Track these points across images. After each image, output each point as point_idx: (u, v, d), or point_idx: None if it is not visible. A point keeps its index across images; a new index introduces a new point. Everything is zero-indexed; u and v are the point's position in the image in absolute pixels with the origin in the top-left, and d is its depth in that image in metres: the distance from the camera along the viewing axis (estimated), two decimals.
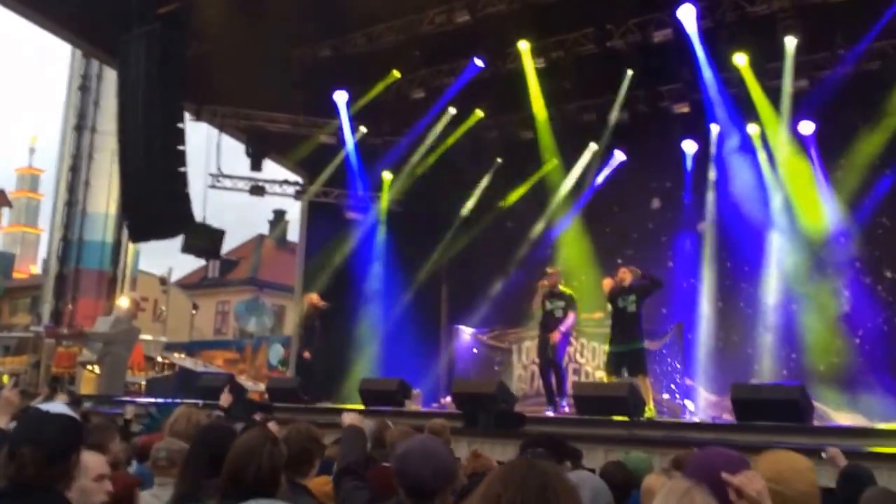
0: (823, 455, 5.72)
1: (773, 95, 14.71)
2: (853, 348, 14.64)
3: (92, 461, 3.39)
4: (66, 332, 30.70)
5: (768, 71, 14.64)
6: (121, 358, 16.69)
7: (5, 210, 48.66)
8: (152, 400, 13.24)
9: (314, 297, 15.45)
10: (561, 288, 13.21)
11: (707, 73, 14.72)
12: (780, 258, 15.25)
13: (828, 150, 14.91)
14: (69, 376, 29.69)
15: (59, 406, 3.49)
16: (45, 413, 3.24)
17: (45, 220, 50.91)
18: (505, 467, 2.22)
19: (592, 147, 16.92)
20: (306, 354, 15.00)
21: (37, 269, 52.09)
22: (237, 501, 3.39)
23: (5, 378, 30.90)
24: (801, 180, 14.80)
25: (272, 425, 5.72)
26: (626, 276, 12.31)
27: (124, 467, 5.44)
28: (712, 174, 16.01)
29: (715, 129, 15.49)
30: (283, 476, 4.02)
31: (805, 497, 2.87)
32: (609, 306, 12.76)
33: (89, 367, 25.25)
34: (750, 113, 14.97)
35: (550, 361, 13.05)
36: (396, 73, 17.06)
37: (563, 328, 12.95)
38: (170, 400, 12.48)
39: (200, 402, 12.57)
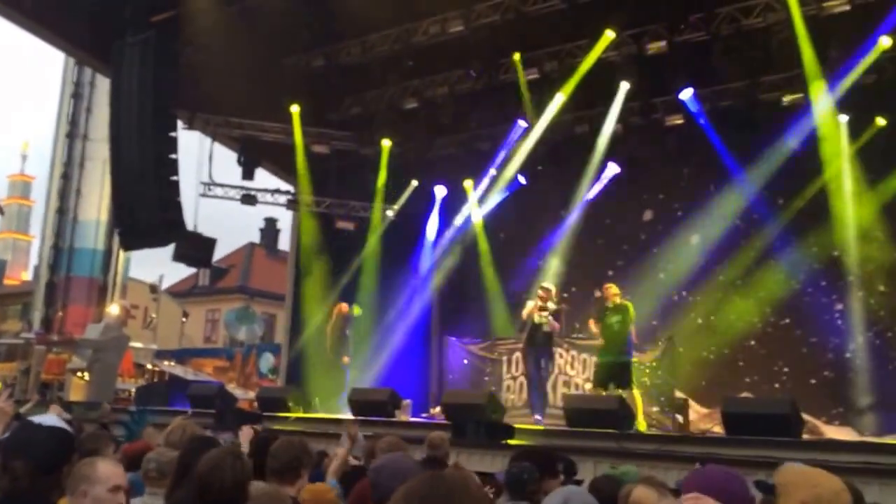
0: None
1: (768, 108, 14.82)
2: (844, 362, 14.68)
3: (109, 471, 3.34)
4: (56, 338, 30.57)
5: (762, 84, 14.74)
6: (111, 365, 16.59)
7: None
8: (128, 408, 13.26)
9: (343, 306, 16.00)
10: (550, 304, 13.32)
11: (701, 85, 14.83)
12: (770, 272, 15.27)
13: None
14: (59, 383, 29.59)
15: (51, 418, 3.48)
16: (38, 426, 3.25)
17: (36, 227, 50.87)
18: (411, 483, 2.16)
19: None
20: (346, 360, 15.65)
21: (28, 275, 51.95)
22: None
23: None
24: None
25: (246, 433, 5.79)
26: (610, 293, 12.41)
27: None
28: (706, 187, 16.04)
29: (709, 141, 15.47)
30: (276, 486, 4.09)
31: None
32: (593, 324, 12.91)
33: (79, 374, 25.18)
34: (743, 125, 15.03)
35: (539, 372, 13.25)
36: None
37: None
38: (143, 409, 12.47)
39: (189, 410, 12.59)
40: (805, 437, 10.19)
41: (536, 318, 13.21)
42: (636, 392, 11.87)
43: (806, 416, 10.64)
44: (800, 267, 15.10)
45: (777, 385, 15.05)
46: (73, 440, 3.39)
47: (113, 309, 25.72)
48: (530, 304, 13.42)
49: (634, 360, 12.95)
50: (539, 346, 13.33)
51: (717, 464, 3.43)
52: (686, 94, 15.08)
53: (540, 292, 13.40)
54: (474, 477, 4.72)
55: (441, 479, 2.15)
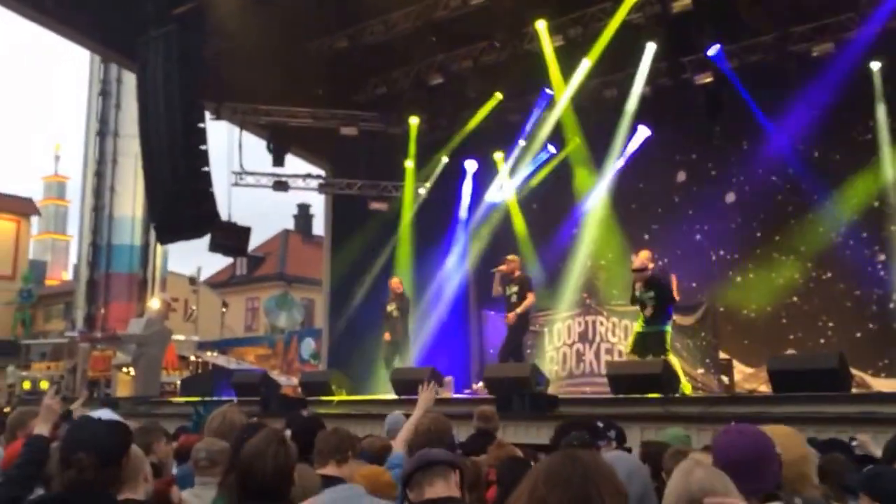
0: (854, 443, 5.81)
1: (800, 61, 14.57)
2: (889, 314, 14.52)
3: (141, 452, 3.52)
4: (99, 335, 30.99)
5: (792, 35, 14.49)
6: (155, 359, 16.77)
7: (34, 218, 49.05)
8: (190, 399, 13.31)
9: (394, 281, 15.69)
10: (517, 273, 13.36)
11: (730, 40, 14.63)
12: (809, 226, 15.10)
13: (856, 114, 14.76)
14: (105, 380, 29.99)
15: (107, 412, 3.59)
16: (98, 420, 3.34)
17: (73, 227, 51.28)
18: (547, 465, 2.21)
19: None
20: (387, 336, 15.19)
21: (68, 275, 52.43)
22: (249, 501, 3.49)
23: (44, 383, 31.26)
24: None
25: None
26: (644, 262, 12.06)
27: (168, 469, 5.48)
28: (739, 143, 15.86)
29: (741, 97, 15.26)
30: (307, 467, 4.11)
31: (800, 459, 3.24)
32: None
33: (124, 369, 25.48)
34: (773, 79, 14.81)
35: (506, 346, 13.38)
36: (499, 96, 17.22)
37: (520, 311, 13.13)
38: (215, 398, 12.57)
39: (235, 398, 12.68)
40: (853, 391, 10.07)
41: (505, 290, 13.32)
42: (673, 358, 11.72)
43: (853, 370, 10.51)
44: (839, 219, 14.92)
45: (822, 340, 14.89)
46: (130, 433, 3.48)
47: (154, 303, 26.03)
48: (496, 280, 13.42)
49: (677, 321, 12.77)
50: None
51: (765, 423, 3.46)
52: (713, 52, 14.86)
53: (503, 265, 13.43)
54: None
55: (577, 459, 2.19)
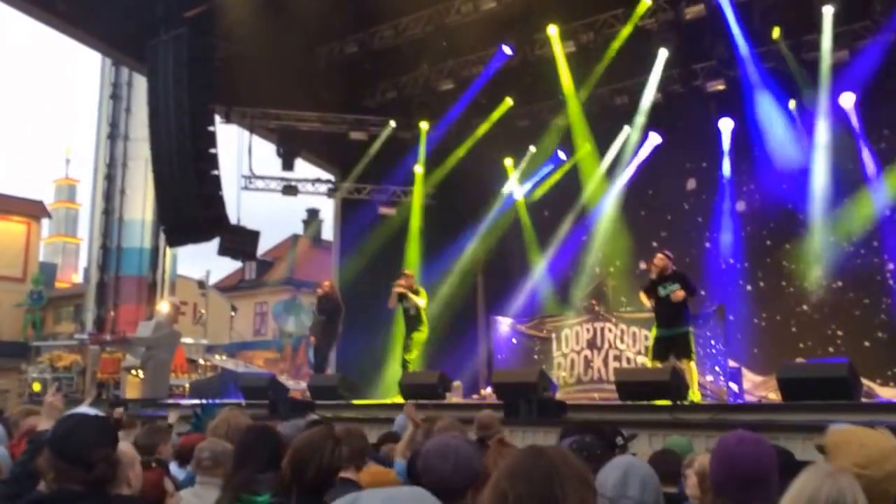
0: None
1: (812, 68, 14.52)
2: None
3: (131, 450, 3.46)
4: (109, 338, 30.98)
5: (805, 43, 14.42)
6: (163, 362, 16.75)
7: (45, 221, 49.16)
8: (195, 402, 13.29)
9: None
10: (415, 287, 13.85)
11: (743, 48, 14.57)
12: (822, 234, 15.03)
13: (870, 122, 14.68)
14: (114, 382, 29.98)
15: (83, 408, 3.51)
16: (83, 416, 3.28)
17: (83, 230, 51.40)
18: (512, 459, 2.19)
19: (626, 130, 16.78)
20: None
21: (78, 277, 52.55)
22: (299, 494, 3.51)
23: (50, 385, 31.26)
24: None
25: None
26: (662, 262, 12.07)
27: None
28: (750, 151, 15.81)
29: (752, 105, 15.23)
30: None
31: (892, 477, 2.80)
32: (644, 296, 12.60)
33: (133, 371, 25.47)
34: (788, 87, 14.77)
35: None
36: (509, 101, 17.25)
37: None
38: (213, 401, 12.53)
39: (243, 401, 12.68)
40: (862, 400, 10.01)
41: (403, 304, 13.88)
42: (692, 364, 11.67)
43: (861, 380, 10.45)
44: (849, 228, 14.86)
45: (831, 349, 14.84)
46: (111, 426, 3.40)
47: (163, 306, 25.98)
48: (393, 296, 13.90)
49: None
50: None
51: (774, 430, 3.41)
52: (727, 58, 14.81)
53: (402, 280, 13.85)
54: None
55: (542, 454, 2.16)
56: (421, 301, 13.76)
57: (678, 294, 11.53)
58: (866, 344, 14.61)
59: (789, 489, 2.46)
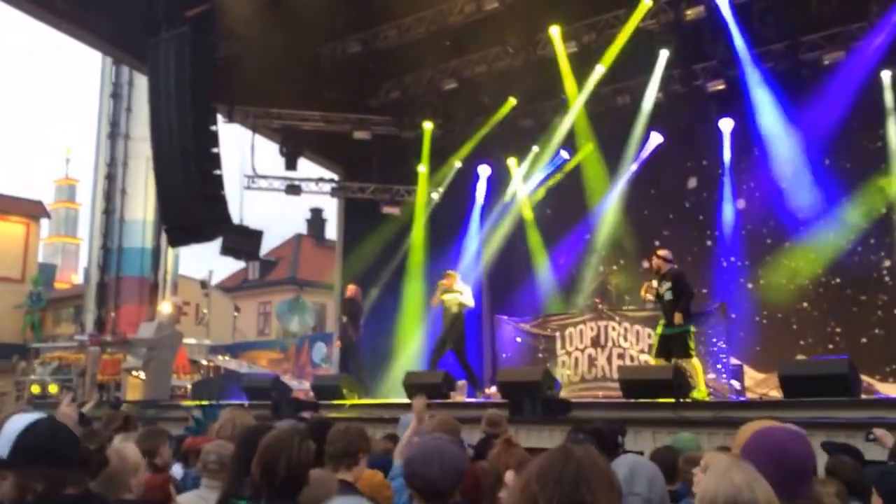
0: (871, 437, 5.83)
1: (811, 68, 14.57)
2: (894, 319, 14.51)
3: (136, 454, 3.42)
4: (109, 339, 30.93)
5: (803, 44, 14.48)
6: (165, 362, 16.79)
7: (44, 221, 49.03)
8: (192, 403, 13.31)
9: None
10: (456, 286, 14.11)
11: (742, 48, 14.62)
12: (822, 232, 15.07)
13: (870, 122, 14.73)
14: (115, 383, 29.94)
15: (21, 417, 3.04)
16: (42, 422, 2.97)
17: (84, 230, 51.32)
18: (540, 462, 2.20)
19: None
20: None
21: (78, 278, 52.41)
22: (269, 497, 3.46)
23: (53, 387, 31.23)
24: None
25: None
26: (655, 263, 12.15)
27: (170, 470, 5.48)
28: (751, 150, 15.85)
29: (752, 104, 15.27)
30: (329, 471, 4.09)
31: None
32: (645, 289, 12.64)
33: (134, 373, 25.47)
34: (787, 86, 14.81)
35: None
36: (512, 101, 17.34)
37: None
38: (215, 403, 12.52)
39: (246, 402, 12.69)
40: (862, 396, 10.05)
41: (446, 300, 14.11)
42: (696, 361, 11.70)
43: (861, 376, 10.49)
44: (849, 226, 14.91)
45: (831, 346, 14.93)
46: (64, 430, 2.98)
47: (165, 307, 26.03)
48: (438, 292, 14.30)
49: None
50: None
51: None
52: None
53: (445, 279, 14.23)
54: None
55: (570, 456, 2.18)
56: (470, 301, 14.17)
57: (677, 316, 11.60)
58: (864, 341, 14.69)
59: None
